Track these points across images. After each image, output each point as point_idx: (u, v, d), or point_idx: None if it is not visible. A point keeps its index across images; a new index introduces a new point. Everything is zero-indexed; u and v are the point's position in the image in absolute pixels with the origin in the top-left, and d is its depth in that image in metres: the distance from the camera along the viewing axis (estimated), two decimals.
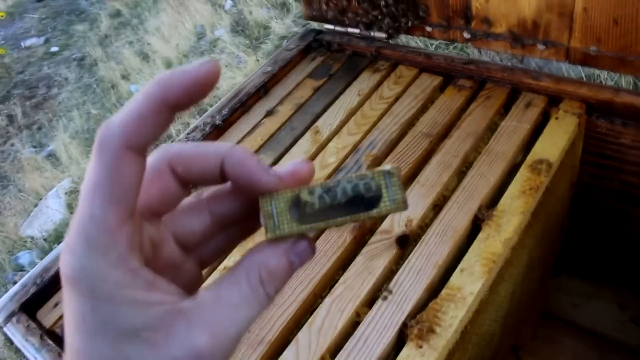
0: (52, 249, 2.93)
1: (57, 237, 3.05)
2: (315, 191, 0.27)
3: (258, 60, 3.41)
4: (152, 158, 0.27)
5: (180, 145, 0.27)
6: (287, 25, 3.38)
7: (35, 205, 3.46)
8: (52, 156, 3.78)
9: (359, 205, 0.27)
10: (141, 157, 0.24)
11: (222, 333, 0.24)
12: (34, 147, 3.95)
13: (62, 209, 3.20)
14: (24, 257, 2.94)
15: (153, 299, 0.24)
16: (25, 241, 3.07)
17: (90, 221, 0.23)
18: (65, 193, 3.35)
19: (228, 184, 0.28)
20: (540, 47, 0.81)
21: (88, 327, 0.23)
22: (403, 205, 0.27)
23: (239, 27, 3.73)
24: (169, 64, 4.05)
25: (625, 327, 0.94)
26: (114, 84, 4.11)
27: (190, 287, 0.28)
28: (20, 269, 2.84)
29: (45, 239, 3.09)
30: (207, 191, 0.29)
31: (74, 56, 5.03)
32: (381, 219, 0.73)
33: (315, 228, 0.27)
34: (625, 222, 0.88)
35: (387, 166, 0.27)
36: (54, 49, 5.34)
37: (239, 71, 3.51)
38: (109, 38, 4.88)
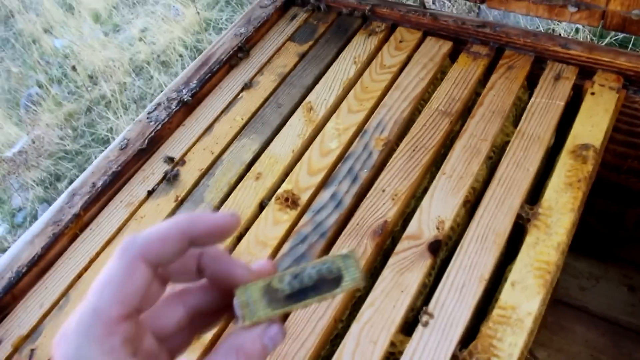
0: None
1: None
2: (284, 279, 0.30)
3: (198, 12, 3.15)
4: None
5: (159, 247, 0.29)
6: None
7: None
8: None
9: (323, 286, 0.30)
10: (152, 271, 0.28)
11: None
12: None
13: None
14: None
15: None
16: None
17: (93, 314, 0.26)
18: None
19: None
20: (572, 9, 0.70)
21: None
22: (361, 282, 0.30)
23: None
24: (96, 17, 3.69)
25: (637, 311, 0.89)
26: (35, 38, 3.72)
27: None
28: None
29: None
30: (180, 286, 0.32)
31: None
32: (404, 219, 0.61)
33: (288, 311, 0.30)
34: None
35: (344, 251, 0.31)
36: None
37: (176, 24, 3.24)
38: None
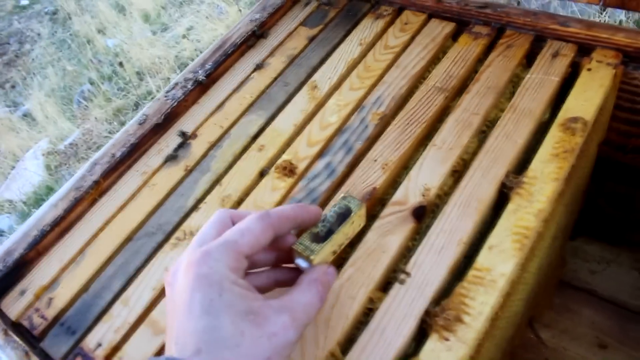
0: (31, 213, 2.81)
1: (36, 200, 2.93)
2: (318, 224, 0.47)
3: (240, 10, 3.24)
4: None
5: (283, 223, 0.45)
6: None
7: (12, 168, 3.32)
8: (27, 116, 3.61)
9: (342, 220, 0.48)
10: (274, 235, 0.43)
11: (298, 318, 0.40)
12: (8, 106, 3.77)
13: (41, 171, 3.06)
14: (2, 222, 2.83)
15: (252, 296, 0.39)
16: (3, 205, 2.95)
17: (234, 244, 0.40)
18: (43, 154, 3.20)
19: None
20: None
21: (215, 308, 0.37)
22: (363, 205, 0.50)
23: None
24: (146, 17, 3.85)
25: None
26: (89, 38, 3.91)
27: None
28: None
29: (24, 202, 2.97)
30: None
31: (45, 10, 4.78)
32: (393, 188, 0.64)
33: (332, 242, 0.46)
34: None
35: (341, 194, 0.50)
36: (24, 2, 5.06)
37: (220, 22, 3.34)
38: None
